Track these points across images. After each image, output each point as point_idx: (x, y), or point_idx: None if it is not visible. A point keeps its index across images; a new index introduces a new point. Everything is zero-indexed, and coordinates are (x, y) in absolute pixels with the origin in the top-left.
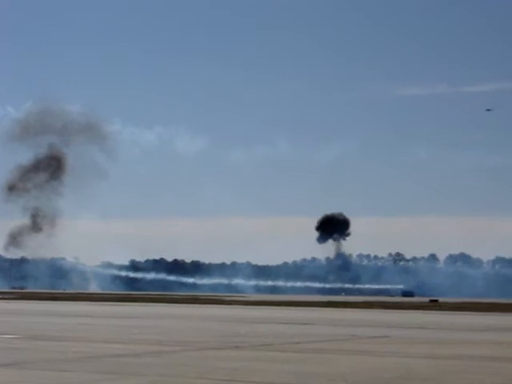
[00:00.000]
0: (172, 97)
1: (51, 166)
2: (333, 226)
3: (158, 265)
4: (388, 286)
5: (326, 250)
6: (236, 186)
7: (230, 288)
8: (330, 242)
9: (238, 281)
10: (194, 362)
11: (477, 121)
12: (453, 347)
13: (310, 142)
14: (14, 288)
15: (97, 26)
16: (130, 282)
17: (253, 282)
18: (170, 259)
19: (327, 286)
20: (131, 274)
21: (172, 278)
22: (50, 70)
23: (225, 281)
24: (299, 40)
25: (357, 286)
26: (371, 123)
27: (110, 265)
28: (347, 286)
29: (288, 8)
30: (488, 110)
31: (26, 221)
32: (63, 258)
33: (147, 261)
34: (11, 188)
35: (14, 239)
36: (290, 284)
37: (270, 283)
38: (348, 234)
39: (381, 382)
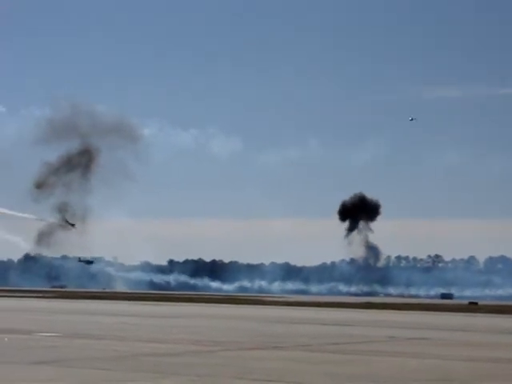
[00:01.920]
0: (207, 99)
1: (81, 164)
2: (360, 209)
3: (196, 265)
4: (426, 289)
5: (358, 249)
6: (269, 187)
7: (268, 289)
8: (356, 234)
9: (274, 282)
10: (232, 361)
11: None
12: (491, 350)
13: (342, 143)
14: (55, 287)
15: (136, 27)
16: (168, 282)
17: (288, 284)
18: (208, 259)
19: (364, 289)
20: (169, 275)
21: (209, 279)
22: (84, 71)
23: (261, 282)
24: (331, 42)
25: (395, 287)
26: (403, 125)
27: (148, 265)
28: (384, 289)
29: (318, 9)
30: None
31: (55, 219)
32: (101, 258)
33: (186, 261)
34: (40, 186)
35: (44, 238)
36: (325, 286)
37: (305, 286)
38: (371, 230)
39: None
